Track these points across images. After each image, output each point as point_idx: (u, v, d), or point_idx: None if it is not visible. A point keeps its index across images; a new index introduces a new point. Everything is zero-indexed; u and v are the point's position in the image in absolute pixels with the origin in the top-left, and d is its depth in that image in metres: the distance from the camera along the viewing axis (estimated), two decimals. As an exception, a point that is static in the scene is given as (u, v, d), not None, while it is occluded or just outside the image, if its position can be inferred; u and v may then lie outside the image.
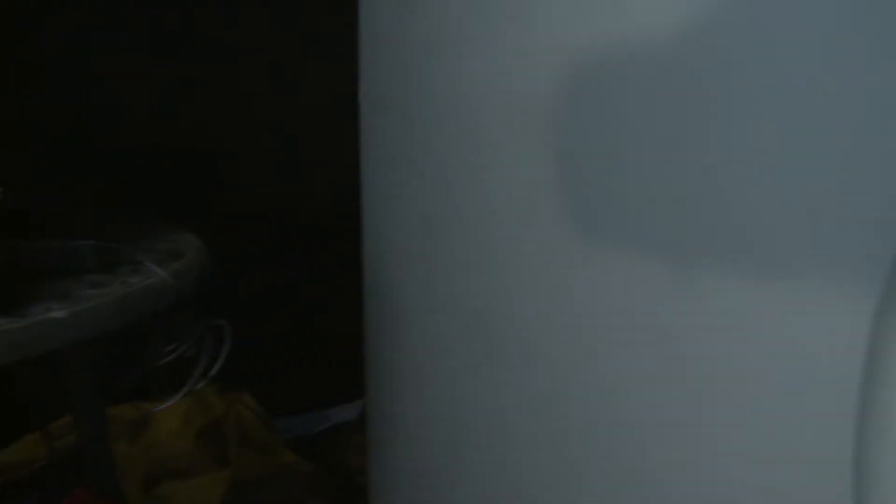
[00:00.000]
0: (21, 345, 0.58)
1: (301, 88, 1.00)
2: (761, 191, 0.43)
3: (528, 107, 0.59)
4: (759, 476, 0.47)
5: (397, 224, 0.81)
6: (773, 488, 0.46)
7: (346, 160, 0.90)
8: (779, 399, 0.44)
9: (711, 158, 0.46)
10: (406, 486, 0.86)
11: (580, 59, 0.52)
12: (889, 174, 0.38)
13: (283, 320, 1.06)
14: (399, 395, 0.87)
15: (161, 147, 0.97)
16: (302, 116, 1.00)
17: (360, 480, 0.95)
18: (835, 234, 0.40)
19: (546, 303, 0.61)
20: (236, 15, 0.98)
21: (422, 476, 0.82)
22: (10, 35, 0.90)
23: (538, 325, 0.61)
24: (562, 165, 0.56)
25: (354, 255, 0.90)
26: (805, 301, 0.42)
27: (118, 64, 0.95)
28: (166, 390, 0.81)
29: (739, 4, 0.43)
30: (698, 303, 0.47)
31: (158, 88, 0.97)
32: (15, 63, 0.91)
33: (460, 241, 0.71)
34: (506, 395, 0.67)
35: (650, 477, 0.54)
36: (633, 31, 0.49)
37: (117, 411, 0.99)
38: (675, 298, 0.48)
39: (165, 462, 1.03)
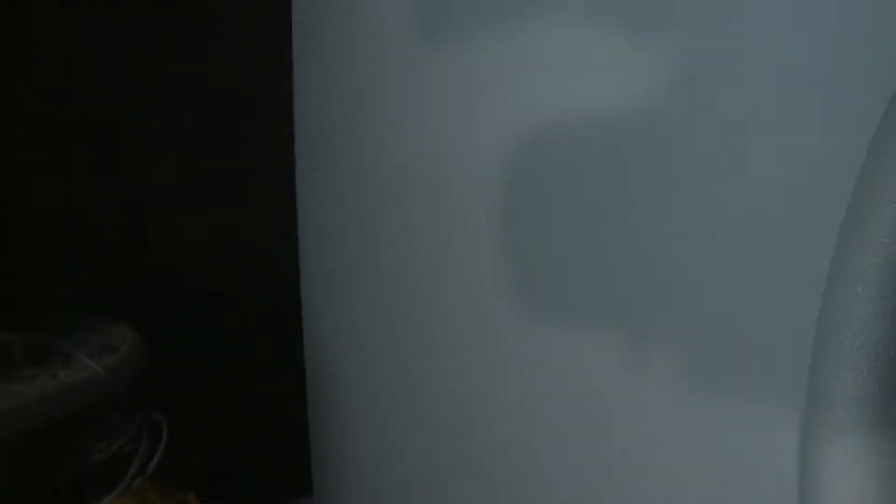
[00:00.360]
0: (-61, 443, 0.56)
1: (241, 177, 1.01)
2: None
3: (462, 189, 0.60)
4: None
5: (337, 314, 0.81)
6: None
7: (290, 249, 0.90)
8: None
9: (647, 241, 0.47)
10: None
11: (519, 135, 0.54)
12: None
13: (228, 416, 1.04)
14: (347, 488, 0.85)
15: (97, 237, 0.96)
16: (242, 207, 1.01)
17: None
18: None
19: (485, 382, 0.61)
20: (171, 110, 1.00)
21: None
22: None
23: (481, 404, 0.61)
24: (503, 242, 0.56)
25: (298, 346, 0.89)
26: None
27: (51, 154, 0.96)
28: (101, 490, 0.78)
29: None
30: (642, 381, 0.47)
31: (92, 175, 0.97)
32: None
33: (401, 328, 0.71)
34: (452, 484, 0.66)
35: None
36: (565, 115, 0.51)
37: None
38: (620, 375, 0.49)
39: (104, 570, 0.98)
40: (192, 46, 0.95)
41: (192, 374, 0.97)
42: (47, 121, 0.94)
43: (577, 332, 0.50)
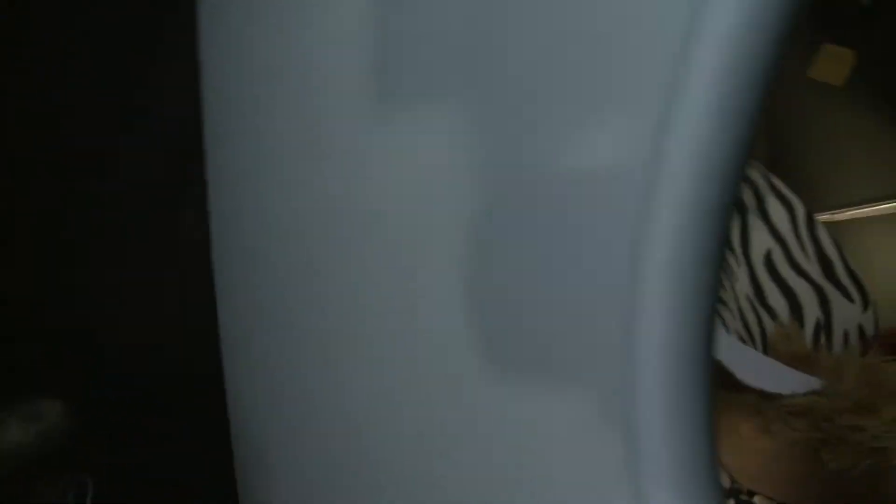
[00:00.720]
0: None
1: (159, 252, 1.06)
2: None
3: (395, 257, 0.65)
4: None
5: (259, 380, 0.84)
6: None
7: (211, 318, 0.95)
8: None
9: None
10: None
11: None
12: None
13: (153, 477, 1.08)
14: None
15: (27, 311, 1.01)
16: (162, 280, 1.06)
17: None
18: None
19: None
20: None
21: None
22: None
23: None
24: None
25: (223, 412, 0.93)
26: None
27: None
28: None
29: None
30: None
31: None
32: None
33: (322, 400, 0.75)
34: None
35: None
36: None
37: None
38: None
39: None
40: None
41: (118, 438, 1.02)
42: None
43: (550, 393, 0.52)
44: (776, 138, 1.46)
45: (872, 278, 1.31)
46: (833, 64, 1.40)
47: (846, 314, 1.20)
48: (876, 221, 1.37)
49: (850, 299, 1.20)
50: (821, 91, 1.40)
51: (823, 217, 1.28)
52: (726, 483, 0.87)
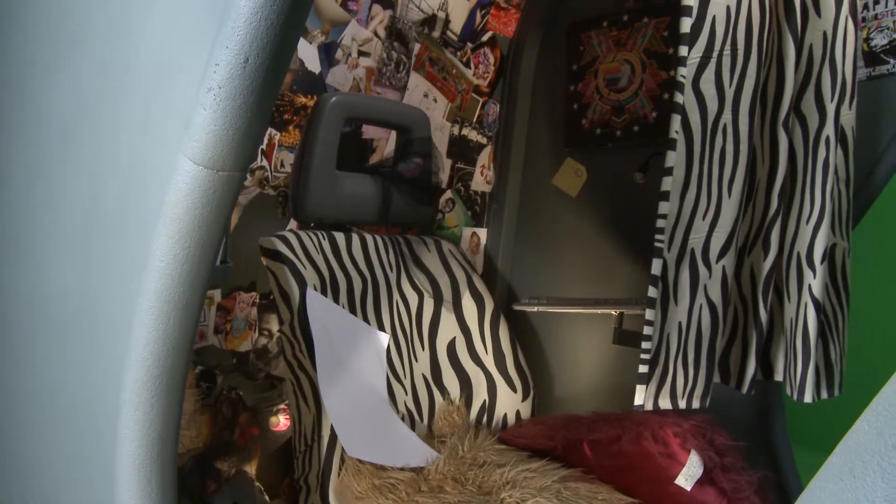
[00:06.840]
0: None
1: None
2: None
3: None
4: None
5: None
6: None
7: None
8: None
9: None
10: None
11: None
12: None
13: None
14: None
15: None
16: None
17: None
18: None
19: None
20: None
21: None
22: None
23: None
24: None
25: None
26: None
27: None
28: None
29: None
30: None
31: None
32: None
33: None
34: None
35: None
36: None
37: None
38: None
39: None
40: None
41: None
42: None
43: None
44: (521, 230, 1.70)
45: (565, 363, 1.56)
46: (571, 176, 1.66)
47: (507, 400, 1.45)
48: (582, 317, 1.59)
49: (514, 389, 1.45)
50: (560, 197, 1.65)
51: (537, 308, 1.51)
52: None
